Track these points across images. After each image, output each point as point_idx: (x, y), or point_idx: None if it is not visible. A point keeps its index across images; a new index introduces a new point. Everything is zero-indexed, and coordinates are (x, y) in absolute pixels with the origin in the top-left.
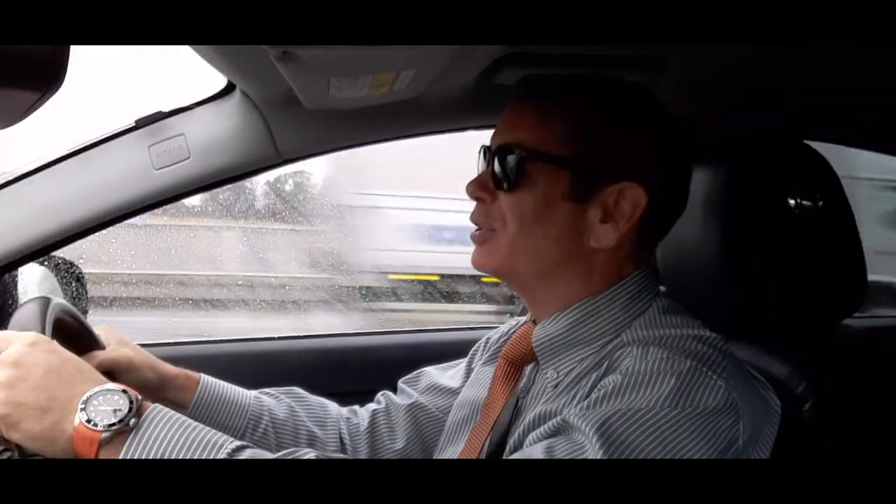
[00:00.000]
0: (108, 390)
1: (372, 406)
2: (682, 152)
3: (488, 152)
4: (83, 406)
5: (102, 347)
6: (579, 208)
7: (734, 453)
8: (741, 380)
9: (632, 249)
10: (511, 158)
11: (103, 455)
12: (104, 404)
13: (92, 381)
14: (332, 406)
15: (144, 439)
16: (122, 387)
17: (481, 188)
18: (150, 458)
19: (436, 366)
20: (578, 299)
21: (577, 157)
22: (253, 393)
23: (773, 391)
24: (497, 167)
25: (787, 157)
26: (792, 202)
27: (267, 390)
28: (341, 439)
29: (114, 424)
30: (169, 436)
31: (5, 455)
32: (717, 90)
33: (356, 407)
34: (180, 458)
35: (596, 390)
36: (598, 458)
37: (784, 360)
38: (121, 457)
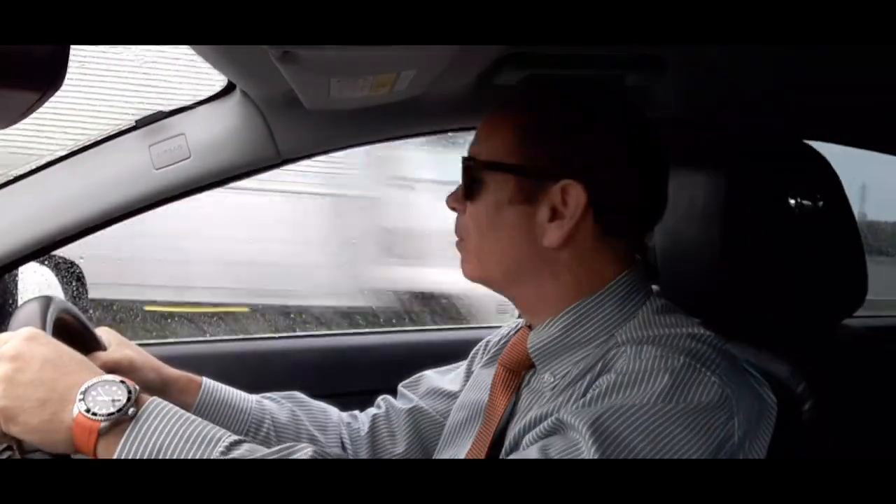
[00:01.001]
0: (105, 381)
1: (372, 411)
2: (630, 147)
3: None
4: (81, 396)
5: (103, 348)
6: (528, 210)
7: (729, 449)
8: (736, 376)
9: (596, 246)
10: (467, 170)
11: (102, 445)
12: (102, 394)
13: (89, 372)
14: (334, 411)
15: (143, 431)
16: (119, 378)
17: (454, 200)
18: (149, 449)
19: (435, 369)
20: (566, 302)
21: (519, 161)
22: (255, 397)
23: (769, 388)
24: (462, 179)
25: (787, 157)
26: (792, 202)
27: (269, 395)
28: (342, 444)
29: (112, 414)
30: (167, 429)
31: (5, 454)
32: (717, 90)
33: (357, 412)
34: (178, 450)
35: (591, 390)
36: (593, 455)
37: (784, 360)
38: (119, 447)
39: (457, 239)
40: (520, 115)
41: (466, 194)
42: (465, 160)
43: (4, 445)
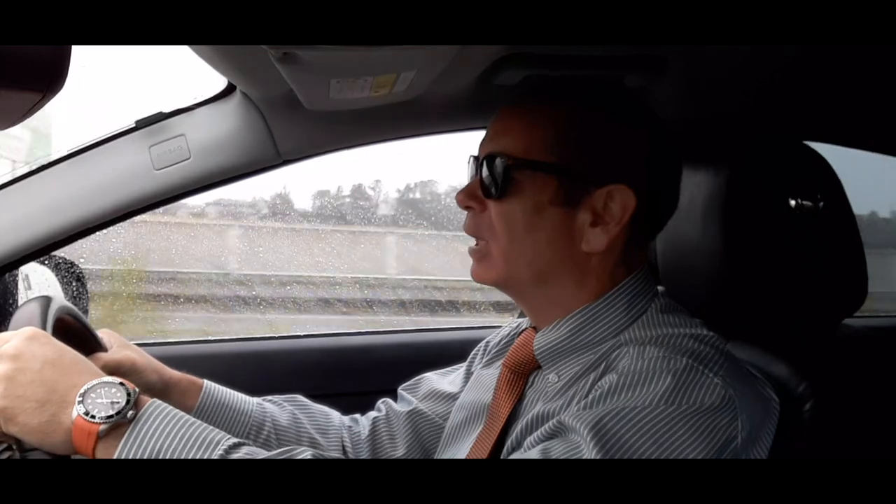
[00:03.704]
0: (105, 383)
1: (372, 414)
2: (670, 153)
3: (476, 161)
4: (81, 399)
5: (104, 349)
6: (568, 213)
7: (732, 451)
8: (739, 377)
9: (625, 251)
10: (498, 166)
11: (101, 448)
12: (102, 397)
13: (89, 374)
14: (335, 414)
15: (142, 434)
16: (119, 380)
17: (470, 197)
18: (148, 452)
19: (435, 371)
20: (577, 304)
21: (563, 162)
22: (256, 400)
23: (772, 389)
24: (485, 176)
25: (787, 158)
26: (792, 202)
27: (270, 397)
28: (343, 447)
29: (111, 416)
30: (166, 431)
31: (5, 455)
32: (717, 90)
33: (357, 416)
34: (177, 453)
35: (593, 391)
36: (594, 458)
37: (784, 360)
38: (118, 450)
39: (475, 243)
40: (559, 112)
41: (496, 192)
42: (491, 156)
43: (4, 445)
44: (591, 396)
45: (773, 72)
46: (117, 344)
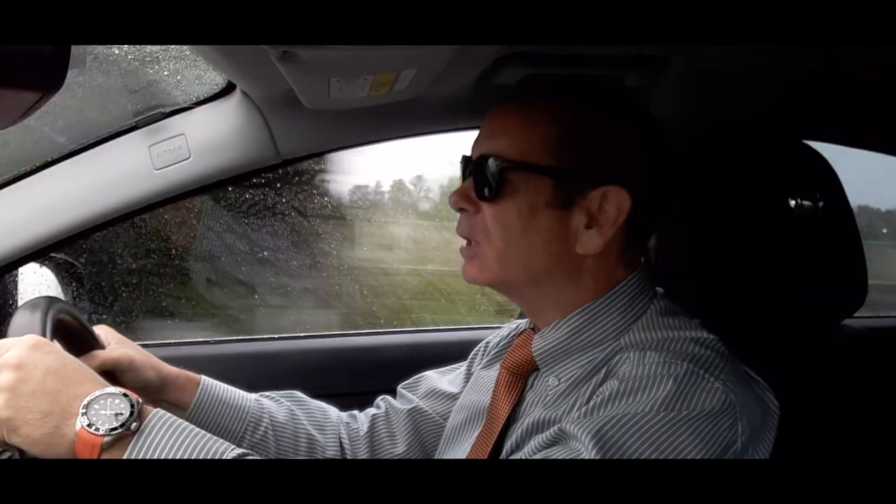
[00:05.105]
0: (109, 394)
1: (372, 411)
2: (664, 152)
3: (470, 162)
4: (84, 410)
5: (103, 347)
6: (563, 215)
7: (732, 455)
8: (739, 381)
9: (621, 252)
10: (492, 168)
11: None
12: (105, 408)
13: (92, 384)
14: (332, 410)
15: (146, 445)
16: (122, 390)
17: (464, 199)
18: None
19: (435, 370)
20: (575, 306)
21: (558, 164)
22: (253, 396)
23: (772, 392)
24: (479, 177)
25: (786, 158)
26: (792, 202)
27: (267, 393)
28: (341, 444)
29: (115, 429)
30: (171, 442)
31: (6, 455)
32: (717, 90)
33: (356, 412)
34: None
35: (594, 397)
36: None
37: (784, 360)
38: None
39: (464, 241)
40: (553, 113)
41: (490, 194)
42: (485, 157)
43: (4, 450)
44: (591, 403)
45: (773, 71)
46: (115, 341)
